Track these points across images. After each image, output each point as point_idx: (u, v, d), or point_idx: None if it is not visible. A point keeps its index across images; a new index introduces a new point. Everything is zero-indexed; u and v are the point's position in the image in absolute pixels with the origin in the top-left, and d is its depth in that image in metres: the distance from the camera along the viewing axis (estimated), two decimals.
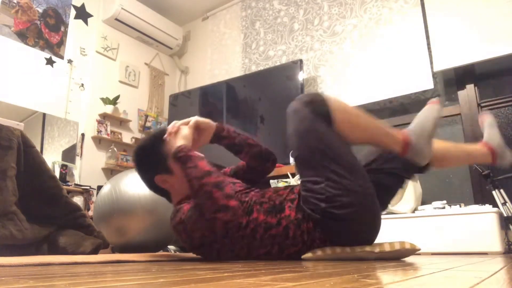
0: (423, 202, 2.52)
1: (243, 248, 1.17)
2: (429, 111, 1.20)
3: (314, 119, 1.12)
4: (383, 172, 1.28)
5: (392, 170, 1.28)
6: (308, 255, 1.13)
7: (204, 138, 1.32)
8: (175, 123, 1.27)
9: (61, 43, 3.61)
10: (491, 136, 1.42)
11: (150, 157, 1.28)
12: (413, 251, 1.16)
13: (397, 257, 1.17)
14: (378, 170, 1.28)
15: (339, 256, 1.11)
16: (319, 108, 1.13)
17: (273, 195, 1.22)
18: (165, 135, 1.25)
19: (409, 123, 1.23)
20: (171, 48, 4.55)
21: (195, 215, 1.08)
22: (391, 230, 2.26)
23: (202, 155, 1.14)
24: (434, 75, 2.89)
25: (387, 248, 1.12)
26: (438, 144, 1.30)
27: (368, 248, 1.12)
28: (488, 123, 1.46)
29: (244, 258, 1.19)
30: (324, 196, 1.08)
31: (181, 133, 1.22)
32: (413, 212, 2.35)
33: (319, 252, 1.12)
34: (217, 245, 1.18)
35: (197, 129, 1.29)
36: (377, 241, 1.19)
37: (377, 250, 1.12)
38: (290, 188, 1.24)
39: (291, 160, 2.77)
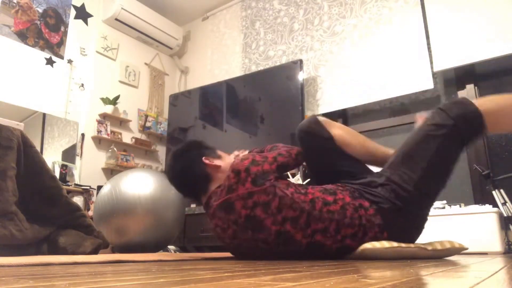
0: None
1: (303, 214, 1.15)
2: None
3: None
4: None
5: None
6: (367, 246, 1.13)
7: None
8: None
9: (61, 43, 3.61)
10: None
11: (201, 143, 1.41)
12: (461, 249, 1.22)
13: (447, 255, 1.23)
14: None
15: (395, 250, 1.14)
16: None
17: (319, 187, 1.26)
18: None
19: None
20: (171, 48, 4.55)
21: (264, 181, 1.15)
22: None
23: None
24: (434, 75, 2.89)
25: (438, 246, 1.18)
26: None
27: (421, 245, 1.18)
28: None
29: (302, 228, 1.15)
30: (404, 190, 1.17)
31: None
32: None
33: (377, 245, 1.14)
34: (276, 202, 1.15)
35: None
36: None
37: (430, 248, 1.17)
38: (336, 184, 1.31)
39: None
